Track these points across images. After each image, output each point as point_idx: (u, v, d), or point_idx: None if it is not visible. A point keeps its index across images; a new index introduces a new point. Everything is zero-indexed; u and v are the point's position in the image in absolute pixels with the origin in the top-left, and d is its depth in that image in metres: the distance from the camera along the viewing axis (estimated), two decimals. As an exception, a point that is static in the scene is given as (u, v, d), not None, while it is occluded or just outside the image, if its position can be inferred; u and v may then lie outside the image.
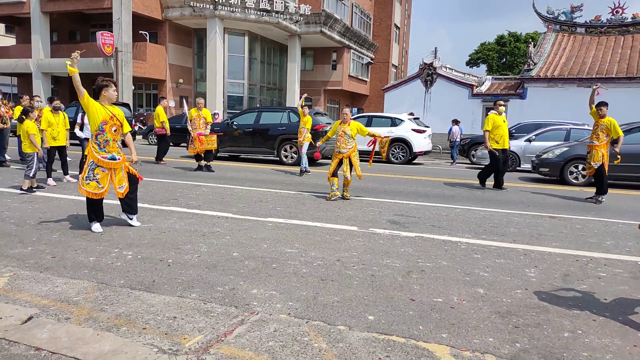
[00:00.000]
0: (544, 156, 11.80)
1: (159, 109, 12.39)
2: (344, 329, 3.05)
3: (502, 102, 9.88)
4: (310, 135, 11.71)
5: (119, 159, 5.27)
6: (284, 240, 5.15)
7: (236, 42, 28.75)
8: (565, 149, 11.58)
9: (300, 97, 12.24)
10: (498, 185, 9.88)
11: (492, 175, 9.93)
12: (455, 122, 17.98)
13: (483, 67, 54.36)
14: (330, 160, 8.20)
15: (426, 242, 5.28)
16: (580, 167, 11.12)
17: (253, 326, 3.05)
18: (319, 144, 8.43)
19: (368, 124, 16.27)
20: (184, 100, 17.25)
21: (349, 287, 3.81)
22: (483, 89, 25.03)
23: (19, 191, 7.53)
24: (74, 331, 2.92)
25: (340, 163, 7.88)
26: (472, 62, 55.81)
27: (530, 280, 4.11)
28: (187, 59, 30.44)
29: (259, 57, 30.98)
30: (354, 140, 7.82)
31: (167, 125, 12.37)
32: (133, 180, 5.46)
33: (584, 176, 11.07)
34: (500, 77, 28.74)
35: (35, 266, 4.09)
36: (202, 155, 11.22)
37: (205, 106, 11.75)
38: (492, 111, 9.83)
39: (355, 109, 39.00)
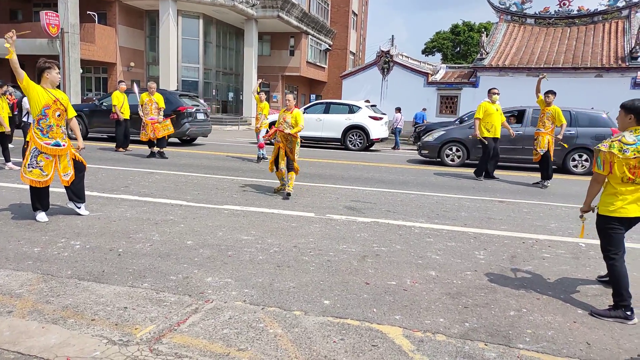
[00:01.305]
0: (425, 139, 12.69)
1: (115, 93, 11.86)
2: (299, 314, 3.06)
3: (496, 91, 9.61)
4: (267, 122, 11.59)
5: (63, 145, 5.02)
6: (240, 228, 5.10)
7: (190, 25, 27.93)
8: (442, 132, 12.47)
9: (256, 83, 12.07)
10: (487, 174, 9.74)
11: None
12: (399, 109, 19.05)
13: (438, 56, 55.45)
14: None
15: (381, 227, 5.37)
16: (455, 149, 12.01)
17: (207, 314, 3.01)
18: (265, 136, 8.01)
19: (326, 111, 16.29)
20: (135, 84, 16.70)
21: (306, 272, 3.82)
22: (438, 77, 25.51)
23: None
24: (16, 325, 2.79)
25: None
26: (428, 50, 56.74)
27: (479, 262, 4.26)
28: (138, 42, 29.32)
29: (215, 41, 30.26)
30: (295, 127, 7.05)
31: (125, 110, 11.85)
32: (79, 168, 5.23)
33: (459, 157, 12.01)
34: (455, 65, 29.37)
35: (-26, 258, 3.86)
36: (155, 141, 10.88)
37: (158, 91, 11.35)
38: (485, 99, 9.68)
39: (314, 95, 38.96)
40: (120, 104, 11.75)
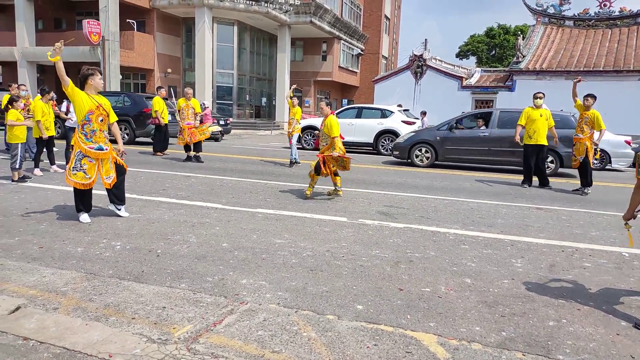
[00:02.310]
0: (397, 141, 13.08)
1: (156, 99, 12.19)
2: (332, 319, 3.07)
3: (539, 95, 9.20)
4: (300, 127, 11.68)
5: (106, 149, 5.21)
6: (273, 231, 5.16)
7: (225, 31, 28.50)
8: (412, 134, 12.95)
9: (290, 88, 12.21)
10: (541, 183, 9.28)
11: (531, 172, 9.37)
12: (424, 113, 19.41)
13: (473, 59, 54.59)
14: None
15: (415, 233, 5.32)
16: (424, 150, 12.29)
17: (242, 316, 3.06)
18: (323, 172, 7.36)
19: (358, 116, 16.28)
20: (172, 90, 17.19)
21: (338, 277, 3.83)
22: (472, 80, 25.13)
23: (9, 182, 7.42)
24: (62, 321, 2.91)
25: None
26: (462, 54, 55.96)
27: (516, 271, 4.17)
28: (175, 49, 30.10)
29: (249, 47, 30.76)
30: (330, 137, 6.98)
31: (164, 115, 12.19)
32: (120, 171, 5.41)
33: (427, 158, 12.25)
34: (490, 69, 28.86)
35: (23, 256, 4.05)
36: (191, 145, 11.14)
37: (194, 96, 11.63)
38: (530, 104, 9.35)
39: (346, 100, 38.99)
40: (161, 109, 12.04)
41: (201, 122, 11.43)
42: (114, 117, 5.39)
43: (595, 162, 11.60)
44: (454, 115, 20.86)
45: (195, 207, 6.19)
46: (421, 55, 25.69)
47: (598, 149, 8.86)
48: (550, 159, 11.07)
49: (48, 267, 3.81)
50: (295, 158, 11.31)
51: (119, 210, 5.52)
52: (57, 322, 2.89)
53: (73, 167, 5.11)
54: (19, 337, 2.69)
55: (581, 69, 21.20)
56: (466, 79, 25.10)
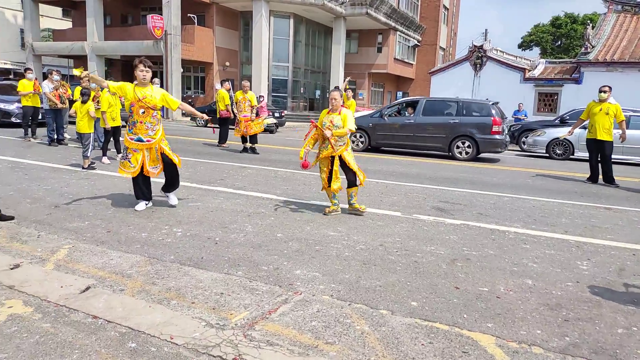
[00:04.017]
0: None
1: (223, 91, 12.46)
2: (386, 314, 3.05)
3: (603, 89, 8.80)
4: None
5: (147, 140, 5.28)
6: (327, 223, 5.18)
7: (281, 24, 28.76)
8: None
9: (344, 81, 12.18)
10: (606, 180, 8.87)
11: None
12: None
13: (536, 50, 52.09)
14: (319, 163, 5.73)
15: (472, 230, 5.16)
16: (358, 135, 13.12)
17: (296, 306, 3.10)
18: (305, 150, 5.45)
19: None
20: (229, 84, 17.56)
21: (392, 272, 3.79)
22: (536, 72, 23.98)
23: (80, 169, 7.90)
24: (127, 302, 3.07)
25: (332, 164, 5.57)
26: (525, 45, 53.51)
27: (582, 273, 3.95)
28: (233, 42, 30.74)
29: (304, 39, 30.89)
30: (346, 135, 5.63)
31: (230, 108, 12.43)
32: (168, 162, 5.44)
33: (362, 143, 13.28)
34: (555, 60, 27.42)
35: (92, 239, 4.30)
36: (247, 137, 11.37)
37: (250, 89, 11.84)
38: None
39: (401, 92, 38.40)
40: (229, 102, 12.27)
41: (257, 114, 11.61)
42: (175, 104, 5.44)
43: None
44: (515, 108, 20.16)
45: (251, 198, 6.32)
46: (481, 46, 24.80)
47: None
48: (467, 144, 11.96)
49: (115, 250, 4.03)
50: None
51: (168, 197, 5.66)
52: (123, 302, 3.05)
53: (122, 157, 5.40)
54: (89, 315, 2.87)
55: (658, 60, 19.70)
56: (529, 70, 23.99)
